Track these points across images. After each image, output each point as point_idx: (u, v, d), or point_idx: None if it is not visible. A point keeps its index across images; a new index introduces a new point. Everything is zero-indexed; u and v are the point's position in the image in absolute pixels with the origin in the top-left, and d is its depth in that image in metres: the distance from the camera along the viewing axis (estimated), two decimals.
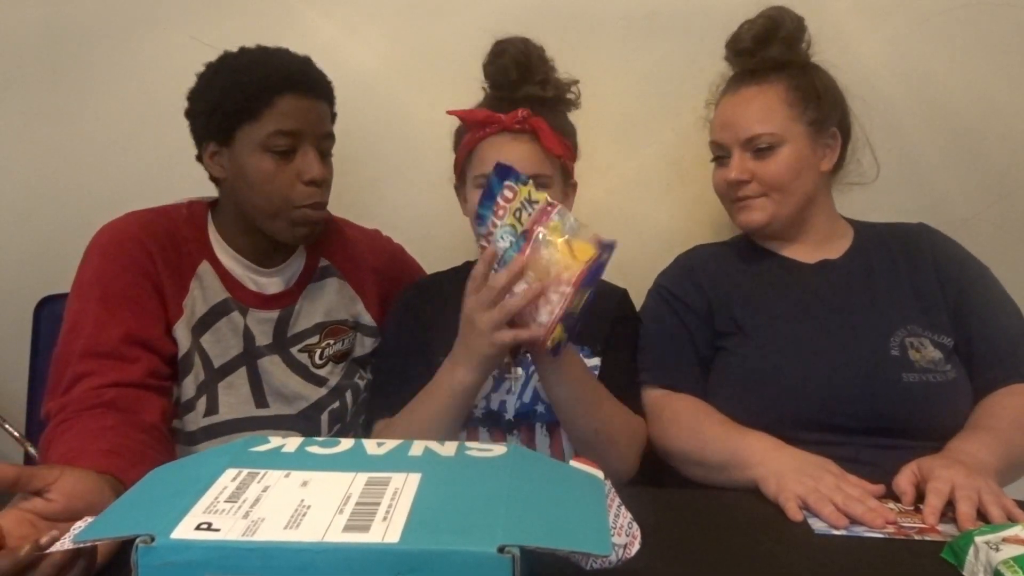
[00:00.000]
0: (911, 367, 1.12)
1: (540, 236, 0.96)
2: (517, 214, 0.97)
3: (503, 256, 0.97)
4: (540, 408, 1.14)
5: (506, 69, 1.16)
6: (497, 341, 0.98)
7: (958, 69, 1.52)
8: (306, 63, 1.16)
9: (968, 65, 1.52)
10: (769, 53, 1.22)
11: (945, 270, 1.21)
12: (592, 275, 0.94)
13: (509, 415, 1.14)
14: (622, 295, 1.28)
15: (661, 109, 1.56)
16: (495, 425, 1.15)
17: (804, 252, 1.26)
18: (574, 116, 1.24)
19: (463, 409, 1.06)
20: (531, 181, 0.98)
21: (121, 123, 1.56)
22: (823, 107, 1.22)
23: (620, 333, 1.23)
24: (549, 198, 0.97)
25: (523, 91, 1.17)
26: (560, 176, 1.18)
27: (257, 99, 1.09)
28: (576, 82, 1.21)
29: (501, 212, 0.97)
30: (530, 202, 0.97)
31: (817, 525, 0.89)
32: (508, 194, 0.97)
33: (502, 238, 0.98)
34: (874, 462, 1.05)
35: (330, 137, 1.18)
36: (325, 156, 1.17)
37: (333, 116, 1.20)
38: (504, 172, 0.98)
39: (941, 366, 1.13)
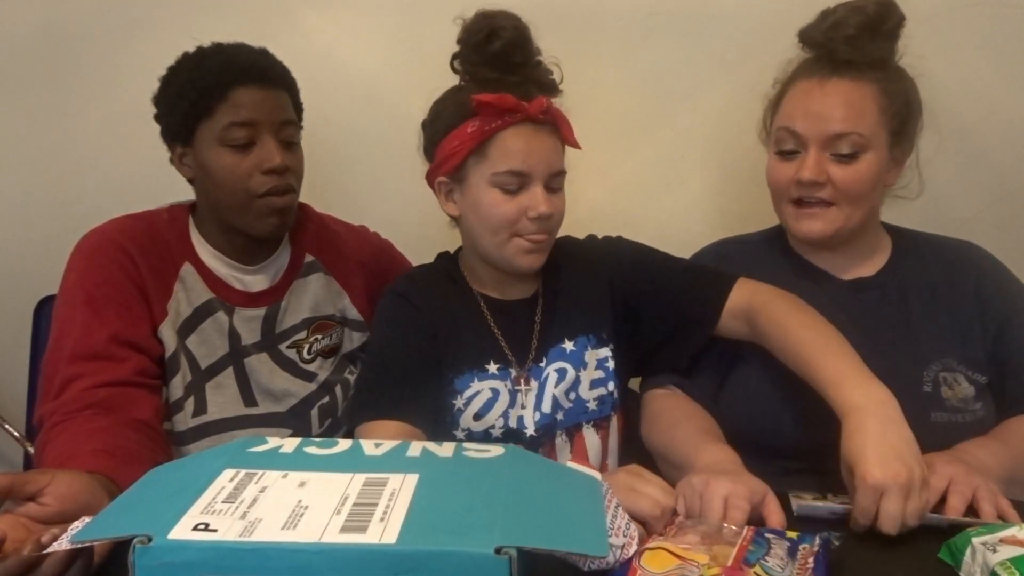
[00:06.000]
0: (941, 405, 1.07)
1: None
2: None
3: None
4: (560, 416, 1.09)
5: (509, 50, 1.04)
6: None
7: (958, 69, 1.52)
8: (260, 54, 1.16)
9: (968, 65, 1.52)
10: (871, 45, 1.07)
11: (988, 301, 1.12)
12: None
13: (530, 431, 1.08)
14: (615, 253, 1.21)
15: (661, 109, 1.56)
16: (517, 443, 1.04)
17: (839, 266, 1.17)
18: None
19: None
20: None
21: (120, 123, 1.56)
22: (910, 118, 1.11)
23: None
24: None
25: (521, 75, 1.05)
26: None
27: (210, 95, 1.09)
28: (557, 64, 1.10)
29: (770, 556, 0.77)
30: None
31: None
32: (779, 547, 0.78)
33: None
34: None
35: (291, 125, 1.16)
36: (289, 144, 1.15)
37: (297, 105, 1.19)
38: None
39: (971, 404, 1.08)
